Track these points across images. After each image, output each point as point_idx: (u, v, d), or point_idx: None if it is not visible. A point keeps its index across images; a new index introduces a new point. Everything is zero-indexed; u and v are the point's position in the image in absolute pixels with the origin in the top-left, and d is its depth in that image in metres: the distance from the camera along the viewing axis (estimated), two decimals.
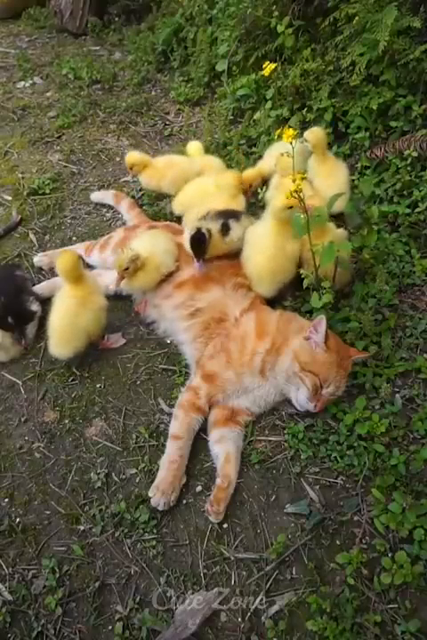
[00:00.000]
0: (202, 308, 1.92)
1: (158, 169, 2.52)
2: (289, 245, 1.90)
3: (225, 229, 2.02)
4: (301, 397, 1.69)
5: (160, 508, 1.54)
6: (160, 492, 1.55)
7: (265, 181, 2.47)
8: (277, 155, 2.16)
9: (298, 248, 1.92)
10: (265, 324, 1.81)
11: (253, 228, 2.01)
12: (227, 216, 2.06)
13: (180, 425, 1.70)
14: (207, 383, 1.77)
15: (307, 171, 2.28)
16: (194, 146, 2.66)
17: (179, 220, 2.39)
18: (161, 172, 2.51)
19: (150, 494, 1.56)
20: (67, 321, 1.84)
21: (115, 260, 1.97)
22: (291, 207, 1.81)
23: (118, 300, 2.13)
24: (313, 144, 2.29)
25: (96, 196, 2.74)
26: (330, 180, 2.26)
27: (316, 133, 2.30)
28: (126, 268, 1.90)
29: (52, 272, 2.22)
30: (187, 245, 1.97)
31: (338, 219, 2.09)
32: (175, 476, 1.58)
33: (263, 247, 1.92)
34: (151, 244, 2.01)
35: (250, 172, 2.49)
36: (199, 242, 1.91)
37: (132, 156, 2.55)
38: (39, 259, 2.32)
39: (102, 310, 1.90)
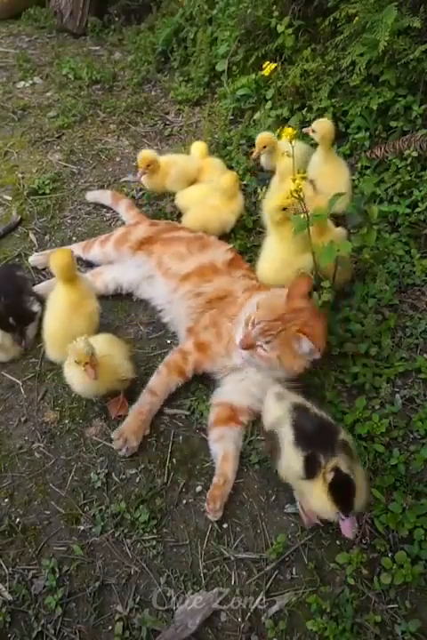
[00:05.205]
0: (207, 292, 1.95)
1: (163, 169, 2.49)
2: (296, 258, 1.88)
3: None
4: None
5: (121, 454, 1.65)
6: (123, 439, 1.66)
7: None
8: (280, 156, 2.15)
9: (308, 260, 1.86)
10: None
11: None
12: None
13: (159, 382, 1.78)
14: (199, 352, 1.81)
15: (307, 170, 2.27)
16: (198, 146, 2.66)
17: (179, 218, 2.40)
18: (165, 171, 2.50)
19: (113, 437, 1.67)
20: (59, 327, 1.81)
21: (71, 351, 1.60)
22: (285, 208, 1.81)
23: (118, 299, 2.13)
24: (320, 135, 2.25)
25: (92, 195, 2.69)
26: (333, 183, 2.19)
27: (323, 124, 2.26)
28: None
29: (50, 273, 2.22)
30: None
31: (338, 219, 2.09)
32: (140, 426, 1.69)
33: (270, 258, 1.93)
34: (108, 347, 1.73)
35: (265, 135, 2.46)
36: (349, 490, 1.32)
37: (147, 154, 2.46)
38: (35, 258, 2.31)
39: (95, 314, 1.87)
